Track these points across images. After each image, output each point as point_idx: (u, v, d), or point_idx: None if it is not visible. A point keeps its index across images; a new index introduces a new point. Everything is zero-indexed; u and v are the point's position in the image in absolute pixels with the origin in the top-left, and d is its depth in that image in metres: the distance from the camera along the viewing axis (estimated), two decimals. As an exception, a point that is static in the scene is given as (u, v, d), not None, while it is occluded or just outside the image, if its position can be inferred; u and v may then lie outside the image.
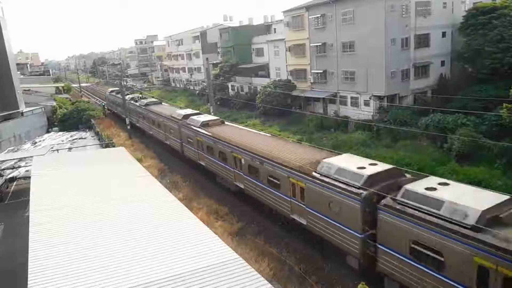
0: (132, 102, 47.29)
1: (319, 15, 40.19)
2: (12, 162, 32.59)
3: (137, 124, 44.95)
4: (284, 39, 47.56)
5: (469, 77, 34.58)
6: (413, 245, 11.96)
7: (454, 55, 37.58)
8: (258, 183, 20.29)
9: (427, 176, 14.10)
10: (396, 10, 33.98)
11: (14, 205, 24.99)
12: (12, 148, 42.12)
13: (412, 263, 12.08)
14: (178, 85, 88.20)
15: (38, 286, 10.03)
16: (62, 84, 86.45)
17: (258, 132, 27.17)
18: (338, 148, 29.41)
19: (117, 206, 15.50)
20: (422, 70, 37.18)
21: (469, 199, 11.38)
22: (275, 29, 60.21)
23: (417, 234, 11.75)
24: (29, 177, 22.69)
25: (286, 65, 47.74)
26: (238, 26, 67.22)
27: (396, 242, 12.58)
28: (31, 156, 28.19)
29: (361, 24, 35.71)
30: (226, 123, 30.10)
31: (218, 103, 56.05)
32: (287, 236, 18.92)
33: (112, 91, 60.57)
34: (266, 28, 62.42)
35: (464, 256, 10.54)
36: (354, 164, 15.28)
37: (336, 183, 14.81)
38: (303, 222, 17.06)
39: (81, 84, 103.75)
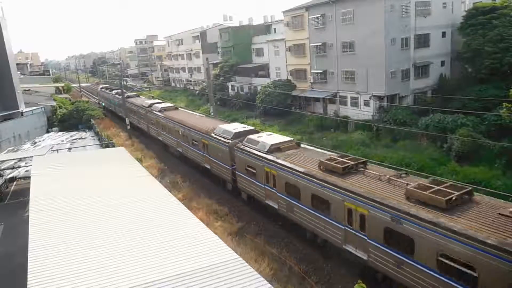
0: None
1: (319, 15, 40.20)
2: (12, 162, 32.58)
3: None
4: (284, 39, 47.58)
5: (469, 77, 34.60)
6: (246, 167, 21.44)
7: (454, 55, 37.59)
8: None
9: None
10: (396, 10, 33.98)
11: (14, 205, 24.98)
12: (12, 148, 42.10)
13: (246, 176, 21.69)
14: (178, 85, 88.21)
15: (38, 286, 10.03)
16: (62, 84, 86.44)
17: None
18: (338, 148, 29.44)
19: (117, 206, 15.50)
20: (422, 70, 37.19)
21: (270, 140, 20.80)
22: (275, 29, 60.24)
23: (248, 160, 21.06)
24: (29, 177, 22.70)
25: (286, 65, 47.75)
26: (238, 26, 67.22)
27: (242, 168, 22.07)
28: (31, 156, 28.18)
29: (361, 24, 35.71)
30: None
31: (218, 103, 56.05)
32: (287, 236, 18.93)
33: (102, 87, 74.61)
34: (266, 28, 62.44)
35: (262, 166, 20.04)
36: (232, 127, 25.41)
37: (220, 138, 24.66)
38: (208, 167, 27.00)
39: (81, 84, 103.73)
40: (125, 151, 26.78)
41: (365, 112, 36.80)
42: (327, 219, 15.85)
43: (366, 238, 13.95)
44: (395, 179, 14.24)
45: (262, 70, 55.39)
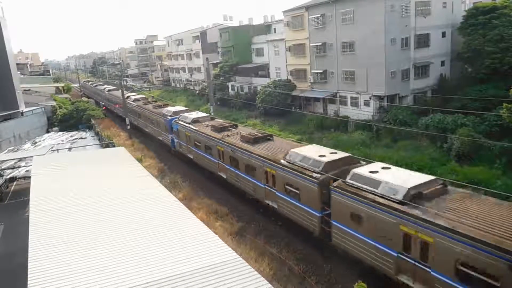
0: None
1: (319, 15, 40.19)
2: (12, 162, 32.58)
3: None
4: (284, 39, 47.57)
5: (469, 77, 34.59)
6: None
7: (454, 55, 37.60)
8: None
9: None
10: (396, 10, 33.98)
11: (14, 205, 24.99)
12: (12, 148, 42.10)
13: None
14: (178, 85, 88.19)
15: (38, 286, 10.04)
16: (62, 84, 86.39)
17: None
18: (338, 148, 29.44)
19: (117, 206, 15.51)
20: (422, 70, 37.19)
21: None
22: (275, 29, 60.20)
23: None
24: (29, 177, 22.71)
25: (286, 65, 47.74)
26: (238, 26, 67.21)
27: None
28: (31, 156, 28.19)
29: (361, 24, 35.71)
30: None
31: (218, 103, 56.08)
32: (287, 236, 18.93)
33: (92, 83, 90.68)
34: (266, 28, 62.39)
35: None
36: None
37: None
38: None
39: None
40: (125, 151, 26.79)
41: (365, 112, 36.80)
42: (249, 178, 21.59)
43: (275, 191, 19.33)
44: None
45: (262, 70, 55.39)
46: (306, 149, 19.22)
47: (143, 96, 51.49)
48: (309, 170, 16.99)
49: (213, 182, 27.04)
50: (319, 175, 16.30)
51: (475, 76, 33.50)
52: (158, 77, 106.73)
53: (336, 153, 18.16)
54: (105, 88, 69.29)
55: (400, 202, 12.80)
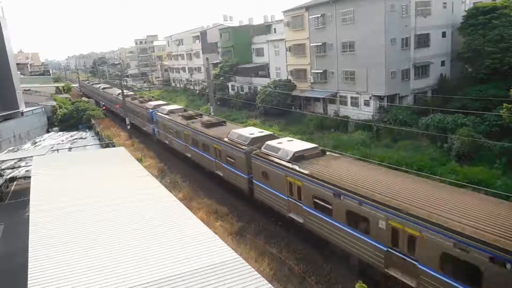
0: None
1: (319, 15, 40.19)
2: (12, 162, 32.56)
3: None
4: (284, 39, 47.58)
5: (469, 77, 34.60)
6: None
7: (454, 55, 37.61)
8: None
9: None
10: (396, 10, 33.99)
11: (14, 205, 25.00)
12: (12, 148, 42.09)
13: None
14: (178, 85, 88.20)
15: (38, 286, 10.03)
16: (62, 84, 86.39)
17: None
18: (338, 148, 29.44)
19: (117, 206, 15.50)
20: (422, 70, 37.19)
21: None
22: (275, 29, 60.20)
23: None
24: (29, 177, 22.71)
25: (286, 65, 47.74)
26: (238, 26, 67.22)
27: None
28: (31, 156, 28.18)
29: (361, 24, 35.71)
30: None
31: (218, 103, 56.08)
32: (287, 236, 18.94)
33: (88, 82, 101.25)
34: (266, 28, 62.40)
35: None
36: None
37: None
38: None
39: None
40: (125, 151, 26.78)
41: (365, 112, 36.80)
42: (205, 155, 27.49)
43: (221, 163, 25.05)
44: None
45: (262, 70, 55.40)
46: (243, 129, 25.18)
47: (132, 93, 59.63)
48: (240, 144, 22.67)
49: (213, 182, 27.05)
50: (246, 147, 22.00)
51: (475, 76, 33.50)
52: (158, 77, 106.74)
53: (262, 132, 24.23)
54: (99, 86, 77.72)
55: (288, 161, 18.40)
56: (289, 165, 18.05)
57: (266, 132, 24.21)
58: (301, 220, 17.63)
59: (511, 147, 23.45)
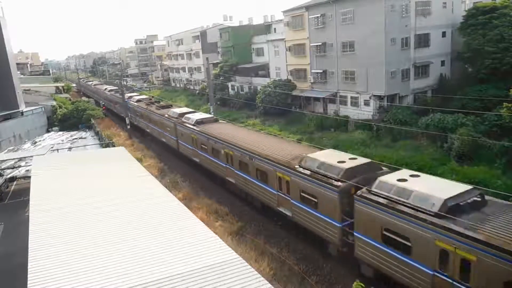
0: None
1: (319, 15, 40.18)
2: (12, 162, 32.58)
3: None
4: (284, 39, 47.55)
5: (469, 77, 34.58)
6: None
7: (454, 55, 37.58)
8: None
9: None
10: (396, 10, 33.97)
11: (14, 205, 24.99)
12: (12, 147, 42.10)
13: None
14: (178, 85, 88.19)
15: (38, 286, 10.03)
16: (62, 84, 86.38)
17: None
18: (338, 148, 29.43)
19: (117, 206, 15.50)
20: (422, 70, 37.17)
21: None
22: (275, 29, 60.20)
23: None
24: (29, 177, 22.70)
25: (286, 65, 47.73)
26: (238, 26, 67.24)
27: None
28: (31, 156, 28.19)
29: (361, 24, 35.70)
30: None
31: (218, 103, 56.06)
32: (287, 236, 18.93)
33: (83, 80, 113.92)
34: (266, 28, 62.40)
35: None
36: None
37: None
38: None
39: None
40: (125, 151, 26.78)
41: (365, 112, 36.79)
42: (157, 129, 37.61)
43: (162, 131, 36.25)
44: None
45: (262, 70, 55.38)
46: (180, 109, 36.07)
47: (116, 88, 66.82)
48: (170, 117, 33.49)
49: (213, 182, 27.05)
50: (175, 119, 32.14)
51: (475, 76, 33.49)
52: (158, 77, 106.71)
53: (196, 112, 33.60)
54: (92, 83, 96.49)
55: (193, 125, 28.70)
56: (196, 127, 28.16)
57: (205, 115, 32.48)
58: (233, 181, 23.51)
59: (511, 147, 23.44)
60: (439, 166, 24.84)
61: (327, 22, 39.71)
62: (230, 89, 59.46)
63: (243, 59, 59.11)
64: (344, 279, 15.16)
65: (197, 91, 71.30)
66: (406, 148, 28.74)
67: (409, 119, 32.28)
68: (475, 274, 10.29)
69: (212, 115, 33.42)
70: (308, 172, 16.69)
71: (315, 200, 16.20)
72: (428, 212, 11.60)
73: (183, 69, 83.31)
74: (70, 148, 38.04)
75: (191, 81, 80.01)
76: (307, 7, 42.19)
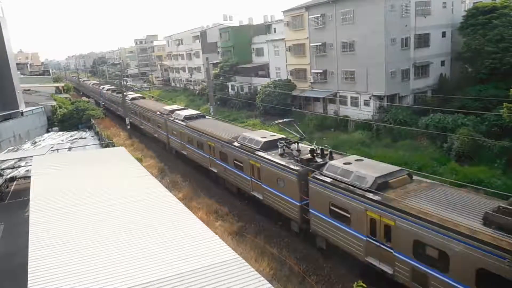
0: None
1: (319, 15, 40.19)
2: (12, 162, 32.56)
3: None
4: (284, 39, 47.56)
5: (469, 77, 34.59)
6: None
7: (454, 55, 37.60)
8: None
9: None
10: (396, 10, 33.97)
11: (14, 205, 24.99)
12: (12, 147, 42.10)
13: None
14: (178, 85, 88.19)
15: (38, 286, 10.03)
16: (62, 84, 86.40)
17: None
18: (338, 148, 29.40)
19: (117, 206, 15.50)
20: (422, 70, 37.18)
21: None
22: (275, 29, 60.18)
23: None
24: (29, 177, 22.70)
25: (286, 65, 47.74)
26: (238, 26, 67.22)
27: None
28: (31, 156, 28.16)
29: (361, 24, 35.71)
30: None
31: (218, 103, 56.07)
32: (287, 236, 18.93)
33: (79, 78, 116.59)
34: (266, 28, 62.39)
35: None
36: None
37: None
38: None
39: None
40: (125, 151, 26.79)
41: (365, 112, 36.80)
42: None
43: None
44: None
45: (262, 70, 55.38)
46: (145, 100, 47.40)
47: (97, 81, 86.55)
48: (161, 114, 36.50)
49: (213, 182, 27.06)
50: (166, 115, 35.22)
51: (475, 76, 33.49)
52: (158, 77, 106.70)
53: (185, 109, 36.15)
54: (86, 80, 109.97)
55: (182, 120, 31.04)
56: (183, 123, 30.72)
57: (171, 106, 39.12)
58: (215, 170, 26.00)
59: (511, 147, 23.45)
60: (439, 166, 24.85)
61: (327, 22, 39.71)
62: (230, 89, 59.46)
63: (243, 59, 59.11)
64: (344, 279, 15.16)
65: (197, 91, 71.30)
66: (406, 148, 28.73)
67: (409, 119, 32.28)
68: (394, 236, 12.88)
69: (199, 112, 35.90)
70: (276, 159, 18.90)
71: (283, 183, 18.26)
72: (362, 188, 14.12)
73: (183, 69, 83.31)
74: (70, 148, 38.01)
75: (191, 81, 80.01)
76: (307, 7, 42.20)
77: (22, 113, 47.87)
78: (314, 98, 43.34)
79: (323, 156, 17.92)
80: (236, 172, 22.74)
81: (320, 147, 18.54)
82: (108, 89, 67.37)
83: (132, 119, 46.09)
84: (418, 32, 35.92)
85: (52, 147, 35.12)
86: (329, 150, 18.32)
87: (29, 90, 61.06)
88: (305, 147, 19.59)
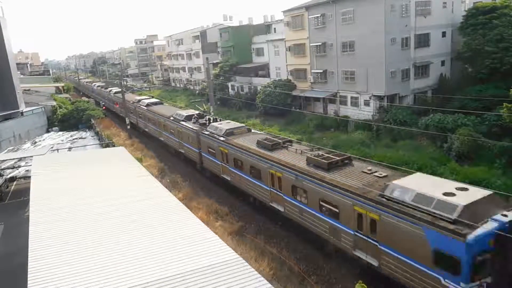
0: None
1: (319, 14, 40.18)
2: (12, 162, 32.63)
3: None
4: (284, 38, 47.55)
5: (469, 77, 34.57)
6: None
7: (454, 55, 37.55)
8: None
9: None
10: (396, 9, 33.97)
11: (14, 205, 25.01)
12: (12, 147, 42.13)
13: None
14: (178, 85, 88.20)
15: (38, 286, 10.04)
16: (62, 84, 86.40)
17: None
18: (338, 148, 29.41)
19: (117, 206, 15.50)
20: (422, 70, 37.17)
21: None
22: (275, 28, 60.19)
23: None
24: (29, 177, 22.72)
25: (286, 65, 47.73)
26: (238, 26, 67.21)
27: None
28: (31, 156, 28.20)
29: (361, 24, 35.70)
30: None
31: (218, 103, 56.06)
32: (287, 236, 18.93)
33: (75, 77, 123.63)
34: (266, 28, 62.41)
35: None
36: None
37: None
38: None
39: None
40: (125, 151, 26.79)
41: (365, 112, 36.79)
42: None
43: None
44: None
45: (262, 70, 55.36)
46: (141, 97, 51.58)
47: (91, 80, 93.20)
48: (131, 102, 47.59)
49: (214, 182, 27.06)
50: (135, 103, 46.51)
51: (475, 76, 33.47)
52: (158, 77, 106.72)
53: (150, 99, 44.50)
54: (85, 81, 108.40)
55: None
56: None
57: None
58: (163, 139, 36.08)
59: (511, 147, 23.44)
60: (439, 166, 24.83)
61: (327, 22, 39.71)
62: (230, 89, 59.46)
63: (243, 59, 59.11)
64: (344, 279, 15.16)
65: (197, 91, 71.31)
66: (406, 148, 28.71)
67: (409, 119, 32.27)
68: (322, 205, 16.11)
69: (159, 99, 47.96)
70: (207, 132, 26.58)
71: (213, 151, 25.50)
72: (218, 134, 23.82)
73: (183, 69, 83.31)
74: (70, 148, 38.04)
75: (191, 81, 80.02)
76: (307, 7, 42.19)
77: (22, 113, 47.90)
78: (314, 98, 43.34)
79: (215, 121, 28.70)
80: (173, 138, 33.56)
81: (214, 117, 30.61)
82: (99, 86, 70.15)
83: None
84: (418, 32, 35.91)
85: (52, 147, 35.15)
86: (213, 117, 30.15)
87: (29, 90, 61.10)
88: (215, 120, 29.36)
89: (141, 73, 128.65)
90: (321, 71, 41.28)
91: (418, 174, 15.25)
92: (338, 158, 16.82)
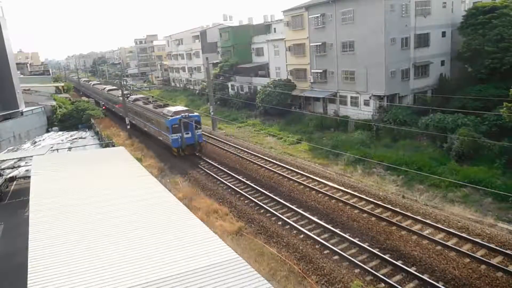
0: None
1: (319, 14, 40.18)
2: (12, 162, 32.59)
3: None
4: (284, 38, 47.55)
5: (469, 76, 34.56)
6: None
7: (454, 54, 37.54)
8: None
9: None
10: (395, 9, 33.97)
11: (14, 205, 25.00)
12: (12, 147, 42.11)
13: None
14: (178, 85, 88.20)
15: (38, 286, 10.04)
16: (62, 84, 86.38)
17: None
18: (337, 148, 29.45)
19: (117, 206, 15.51)
20: (422, 69, 37.17)
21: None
22: (275, 28, 60.17)
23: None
24: (29, 177, 22.72)
25: (286, 65, 47.73)
26: (238, 25, 67.20)
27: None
28: (31, 156, 28.18)
29: (361, 24, 35.70)
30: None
31: (218, 103, 56.05)
32: (287, 236, 18.94)
33: (73, 76, 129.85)
34: (266, 28, 62.38)
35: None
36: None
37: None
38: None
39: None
40: (125, 151, 26.79)
41: (365, 112, 36.80)
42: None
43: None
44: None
45: (262, 69, 55.36)
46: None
47: (87, 78, 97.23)
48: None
49: (214, 182, 27.06)
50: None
51: (475, 76, 33.47)
52: (158, 77, 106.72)
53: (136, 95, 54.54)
54: (83, 80, 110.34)
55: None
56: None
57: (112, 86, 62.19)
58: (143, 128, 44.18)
59: (511, 147, 23.44)
60: (439, 166, 24.86)
61: (327, 22, 39.71)
62: (230, 89, 59.46)
63: (243, 59, 59.10)
64: (344, 279, 15.17)
65: (197, 91, 71.32)
66: (405, 148, 28.74)
67: (409, 119, 32.28)
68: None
69: (146, 96, 54.26)
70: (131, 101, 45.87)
71: (158, 128, 36.28)
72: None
73: (183, 69, 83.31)
74: (70, 148, 38.00)
75: (191, 81, 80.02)
76: (307, 7, 42.18)
77: (22, 113, 47.88)
78: (314, 98, 43.35)
79: (145, 100, 45.17)
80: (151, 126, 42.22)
81: (147, 97, 47.32)
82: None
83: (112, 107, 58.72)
84: (418, 32, 35.91)
85: (52, 147, 35.13)
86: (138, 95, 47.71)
87: (29, 90, 61.02)
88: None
89: (141, 73, 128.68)
90: (321, 71, 41.29)
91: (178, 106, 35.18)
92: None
